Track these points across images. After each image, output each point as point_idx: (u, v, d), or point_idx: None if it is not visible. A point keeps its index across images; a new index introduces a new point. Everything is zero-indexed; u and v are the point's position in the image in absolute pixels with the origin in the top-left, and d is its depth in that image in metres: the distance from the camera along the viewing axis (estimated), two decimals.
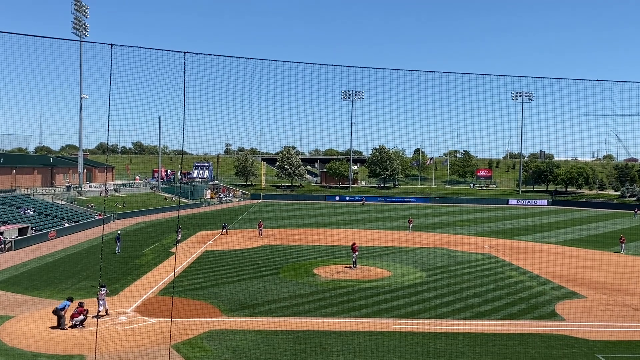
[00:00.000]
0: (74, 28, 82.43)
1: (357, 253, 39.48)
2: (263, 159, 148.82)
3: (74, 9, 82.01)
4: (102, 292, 25.69)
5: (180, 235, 49.43)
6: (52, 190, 76.04)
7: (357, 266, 38.97)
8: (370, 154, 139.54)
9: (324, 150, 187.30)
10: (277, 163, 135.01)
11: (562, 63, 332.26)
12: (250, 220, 72.21)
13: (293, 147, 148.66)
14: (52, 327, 23.84)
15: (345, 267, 39.13)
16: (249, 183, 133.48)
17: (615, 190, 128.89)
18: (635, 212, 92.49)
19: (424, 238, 57.75)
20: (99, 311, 25.32)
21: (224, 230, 57.61)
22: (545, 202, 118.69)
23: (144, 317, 25.66)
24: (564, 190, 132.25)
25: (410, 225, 63.99)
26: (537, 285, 34.46)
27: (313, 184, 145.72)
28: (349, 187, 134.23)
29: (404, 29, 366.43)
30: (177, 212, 54.93)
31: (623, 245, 50.46)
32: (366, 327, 24.77)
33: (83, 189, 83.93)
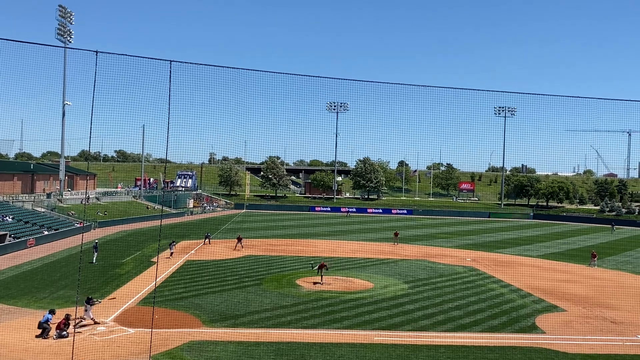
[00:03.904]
0: (58, 34, 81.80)
1: (324, 270, 37.78)
2: (247, 169, 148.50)
3: (59, 15, 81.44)
4: (90, 304, 25.52)
5: (173, 248, 47.93)
6: (32, 197, 74.90)
7: (322, 282, 37.20)
8: (355, 166, 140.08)
9: (308, 161, 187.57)
10: (262, 173, 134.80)
11: (545, 78, 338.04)
12: (234, 230, 71.81)
13: (278, 158, 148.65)
14: (37, 336, 23.50)
15: (315, 283, 37.13)
16: (233, 193, 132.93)
17: (595, 205, 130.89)
18: (613, 226, 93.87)
19: (406, 250, 57.92)
20: (82, 319, 25.02)
21: (207, 240, 57.17)
22: (531, 214, 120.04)
23: (123, 328, 25.29)
24: (545, 204, 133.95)
25: (397, 237, 63.84)
26: (517, 298, 34.72)
27: (297, 195, 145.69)
28: (333, 198, 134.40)
29: (390, 42, 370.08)
30: (160, 221, 54.27)
31: (595, 259, 50.72)
32: (348, 339, 24.70)
33: (64, 196, 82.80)
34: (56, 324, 23.80)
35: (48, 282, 35.49)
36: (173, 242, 49.05)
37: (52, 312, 24.57)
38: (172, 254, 47.10)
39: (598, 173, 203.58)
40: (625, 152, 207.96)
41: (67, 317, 23.90)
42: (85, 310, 25.44)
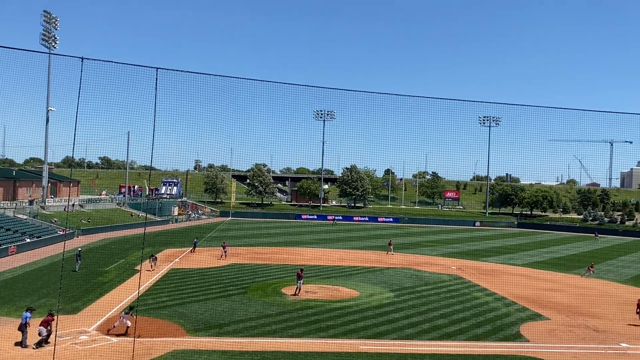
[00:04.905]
0: (42, 40, 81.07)
1: (302, 280, 36.43)
2: (233, 177, 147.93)
3: (44, 20, 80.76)
4: (126, 314, 25.64)
5: (156, 262, 45.14)
6: (14, 204, 73.78)
7: (299, 293, 35.91)
8: (342, 174, 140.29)
9: (295, 168, 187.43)
10: (248, 181, 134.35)
11: (529, 89, 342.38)
12: (219, 238, 71.37)
13: (264, 165, 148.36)
14: (16, 344, 23.10)
15: (292, 295, 35.81)
16: (219, 200, 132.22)
17: (578, 214, 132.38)
18: (596, 235, 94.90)
19: (392, 258, 58.02)
20: (126, 327, 25.31)
21: (194, 248, 56.46)
22: (516, 222, 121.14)
23: (106, 337, 24.95)
24: (529, 213, 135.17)
25: (391, 247, 63.23)
26: (502, 307, 34.91)
27: (283, 203, 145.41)
28: (319, 206, 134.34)
29: (377, 52, 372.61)
30: (144, 229, 53.81)
31: (591, 271, 49.88)
32: (333, 348, 24.61)
33: (47, 203, 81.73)
34: (40, 322, 23.47)
35: (29, 291, 34.90)
36: (153, 256, 45.68)
37: (30, 309, 24.26)
38: (153, 267, 44.16)
39: (581, 182, 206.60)
40: (607, 162, 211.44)
41: (52, 314, 23.64)
42: (122, 318, 25.49)
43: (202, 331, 26.65)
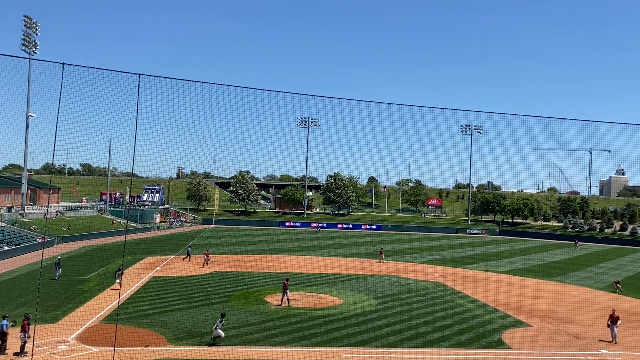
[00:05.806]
0: (22, 45, 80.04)
1: (288, 290, 35.44)
2: (217, 184, 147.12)
3: (24, 25, 79.77)
4: (220, 322, 26.02)
5: (121, 278, 38.39)
6: None
7: (289, 303, 35.33)
8: (325, 181, 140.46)
9: (279, 176, 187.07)
10: (231, 188, 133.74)
11: (509, 98, 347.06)
12: (201, 246, 70.84)
13: (248, 172, 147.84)
14: None
15: (277, 305, 35.17)
16: (202, 208, 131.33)
17: (559, 222, 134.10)
18: (576, 243, 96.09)
19: (375, 265, 58.14)
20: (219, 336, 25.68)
21: (188, 256, 55.21)
22: (497, 230, 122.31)
23: (86, 346, 24.54)
24: (510, 220, 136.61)
25: (382, 254, 62.90)
26: (484, 314, 35.12)
27: (267, 210, 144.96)
28: (303, 213, 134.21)
29: (362, 59, 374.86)
30: (124, 236, 53.11)
31: (619, 286, 48.08)
32: (317, 356, 24.52)
33: (26, 210, 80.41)
34: (20, 329, 23.15)
35: (7, 300, 34.23)
36: (119, 270, 39.30)
37: (6, 317, 23.84)
38: (120, 284, 36.94)
39: (561, 190, 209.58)
40: (586, 171, 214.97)
41: (27, 317, 23.39)
42: (216, 327, 25.89)
43: (184, 340, 26.37)
